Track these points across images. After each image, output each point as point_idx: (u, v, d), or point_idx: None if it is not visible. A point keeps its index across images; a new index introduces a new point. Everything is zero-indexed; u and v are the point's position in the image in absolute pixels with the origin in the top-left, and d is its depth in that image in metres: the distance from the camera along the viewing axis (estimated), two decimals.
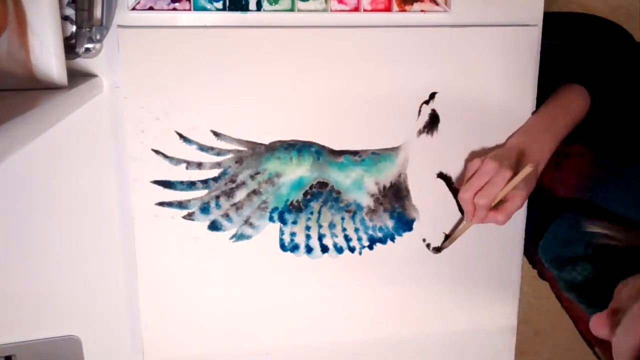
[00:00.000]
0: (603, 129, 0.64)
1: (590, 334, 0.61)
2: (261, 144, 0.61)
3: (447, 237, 0.67)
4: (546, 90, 0.65)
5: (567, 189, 0.65)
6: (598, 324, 0.44)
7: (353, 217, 0.65)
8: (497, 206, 0.60)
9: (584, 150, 0.65)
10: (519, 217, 0.69)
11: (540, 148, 0.61)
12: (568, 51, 0.67)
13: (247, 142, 0.61)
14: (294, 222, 0.64)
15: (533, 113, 0.65)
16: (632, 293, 0.45)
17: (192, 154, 0.60)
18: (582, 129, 0.63)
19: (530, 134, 0.62)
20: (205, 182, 0.61)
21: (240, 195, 0.62)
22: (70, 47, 0.51)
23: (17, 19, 0.45)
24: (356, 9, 0.60)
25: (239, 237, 0.63)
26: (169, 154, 0.59)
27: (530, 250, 0.72)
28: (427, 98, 0.63)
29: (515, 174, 0.57)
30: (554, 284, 0.66)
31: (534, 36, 0.64)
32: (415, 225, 0.67)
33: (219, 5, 0.57)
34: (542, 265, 0.67)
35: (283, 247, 0.64)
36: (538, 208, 0.68)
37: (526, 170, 0.57)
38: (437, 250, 0.68)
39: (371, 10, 0.60)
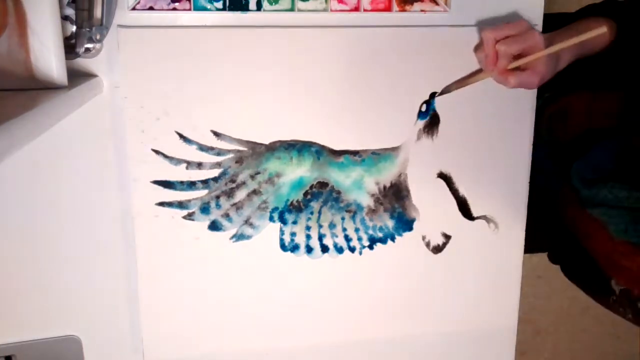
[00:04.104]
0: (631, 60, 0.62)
1: (608, 264, 0.66)
2: (261, 144, 0.61)
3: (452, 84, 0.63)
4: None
5: (603, 119, 0.66)
6: None
7: (353, 217, 0.65)
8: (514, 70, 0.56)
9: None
10: (519, 218, 0.69)
11: (561, 53, 0.58)
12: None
13: (247, 142, 0.61)
14: (294, 222, 0.64)
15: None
16: None
17: (192, 154, 0.60)
18: (616, 75, 0.62)
19: (554, 39, 0.58)
20: (205, 182, 0.61)
21: (240, 195, 0.62)
22: (70, 47, 0.51)
23: (17, 19, 0.45)
24: (356, 9, 0.60)
25: (239, 237, 0.63)
26: (169, 154, 0.59)
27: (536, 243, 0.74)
28: (427, 98, 0.63)
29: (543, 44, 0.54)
30: (574, 217, 0.70)
31: None
32: (415, 225, 0.67)
33: (219, 5, 0.57)
34: (557, 205, 0.70)
35: (283, 247, 0.64)
36: (556, 160, 0.71)
37: (599, 30, 0.52)
38: (437, 250, 0.68)
39: (371, 10, 0.60)
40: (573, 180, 0.67)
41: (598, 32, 0.52)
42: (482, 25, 0.62)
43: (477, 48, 0.60)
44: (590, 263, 0.70)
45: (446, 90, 0.63)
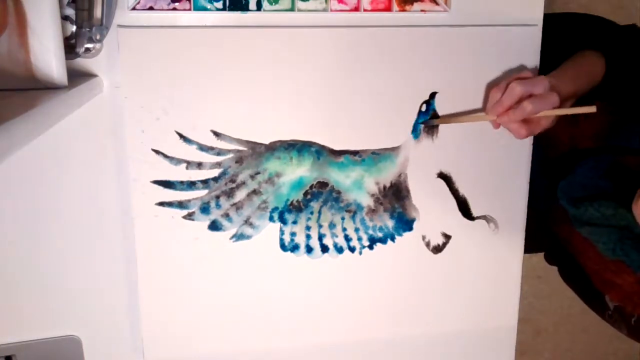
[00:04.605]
0: (621, 90, 0.64)
1: (601, 282, 0.67)
2: (261, 144, 0.61)
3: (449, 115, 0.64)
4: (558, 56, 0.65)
5: (587, 141, 0.68)
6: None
7: (353, 217, 0.65)
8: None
9: (602, 105, 0.66)
10: (519, 218, 0.69)
11: (566, 96, 0.59)
12: (580, 27, 0.69)
13: (247, 142, 0.61)
14: (294, 222, 0.64)
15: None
16: None
17: (192, 153, 0.60)
18: (599, 91, 0.63)
19: (561, 80, 0.60)
20: (205, 182, 0.61)
21: (240, 195, 0.62)
22: (70, 47, 0.51)
23: (17, 19, 0.45)
24: (356, 9, 0.60)
25: (239, 237, 0.63)
26: (169, 154, 0.59)
27: (536, 244, 0.75)
28: (427, 98, 0.63)
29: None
30: (567, 236, 0.71)
31: (534, 36, 0.64)
32: (415, 225, 0.67)
33: (219, 5, 0.57)
34: (551, 224, 0.70)
35: (283, 247, 0.64)
36: (550, 177, 0.71)
37: (590, 108, 0.55)
38: (437, 250, 0.68)
39: (371, 10, 0.60)
40: (561, 199, 0.67)
41: (590, 110, 0.56)
42: (481, 26, 0.62)
43: (493, 88, 0.60)
44: (584, 278, 0.71)
45: (431, 122, 0.64)
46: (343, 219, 0.65)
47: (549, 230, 0.77)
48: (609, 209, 0.62)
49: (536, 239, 0.75)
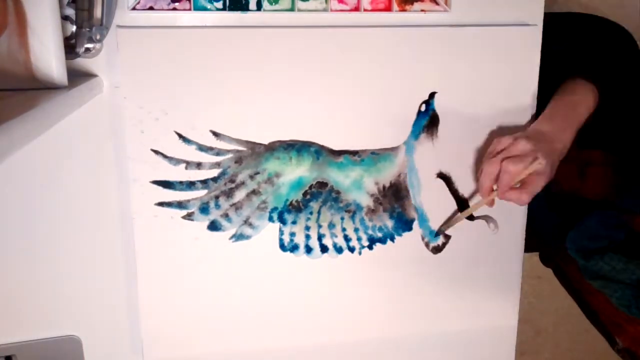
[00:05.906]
0: (622, 135, 0.65)
1: (610, 323, 0.66)
2: (261, 144, 0.61)
3: (450, 217, 0.67)
4: (551, 88, 0.65)
5: (593, 196, 0.67)
6: None
7: (353, 217, 0.65)
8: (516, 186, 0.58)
9: (606, 157, 0.67)
10: (519, 218, 0.69)
11: (564, 136, 0.60)
12: (574, 51, 0.68)
13: (247, 142, 0.61)
14: (294, 222, 0.64)
15: (534, 106, 0.65)
16: None
17: (191, 154, 0.60)
18: (601, 134, 0.64)
19: (553, 121, 0.61)
20: (204, 182, 0.61)
21: (239, 195, 0.62)
22: (70, 47, 0.51)
23: (17, 19, 0.45)
24: (356, 9, 0.60)
25: (238, 237, 0.63)
26: (168, 154, 0.59)
27: (546, 250, 0.74)
28: (427, 98, 0.63)
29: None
30: (575, 275, 0.70)
31: (534, 36, 0.64)
32: (415, 225, 0.67)
33: (219, 5, 0.57)
34: (559, 261, 0.69)
35: (282, 247, 0.64)
36: (559, 211, 0.71)
37: (535, 165, 0.56)
38: (437, 250, 0.68)
39: (371, 10, 0.60)
40: (570, 250, 0.67)
41: (536, 167, 0.55)
42: (481, 26, 0.62)
43: (479, 174, 0.61)
44: (593, 314, 0.71)
45: (444, 229, 0.67)
46: (342, 219, 0.65)
47: (556, 263, 0.78)
48: (619, 262, 0.61)
49: (535, 238, 0.75)
